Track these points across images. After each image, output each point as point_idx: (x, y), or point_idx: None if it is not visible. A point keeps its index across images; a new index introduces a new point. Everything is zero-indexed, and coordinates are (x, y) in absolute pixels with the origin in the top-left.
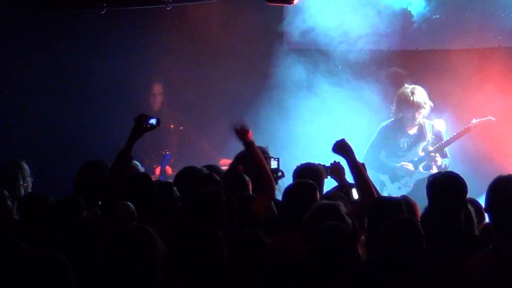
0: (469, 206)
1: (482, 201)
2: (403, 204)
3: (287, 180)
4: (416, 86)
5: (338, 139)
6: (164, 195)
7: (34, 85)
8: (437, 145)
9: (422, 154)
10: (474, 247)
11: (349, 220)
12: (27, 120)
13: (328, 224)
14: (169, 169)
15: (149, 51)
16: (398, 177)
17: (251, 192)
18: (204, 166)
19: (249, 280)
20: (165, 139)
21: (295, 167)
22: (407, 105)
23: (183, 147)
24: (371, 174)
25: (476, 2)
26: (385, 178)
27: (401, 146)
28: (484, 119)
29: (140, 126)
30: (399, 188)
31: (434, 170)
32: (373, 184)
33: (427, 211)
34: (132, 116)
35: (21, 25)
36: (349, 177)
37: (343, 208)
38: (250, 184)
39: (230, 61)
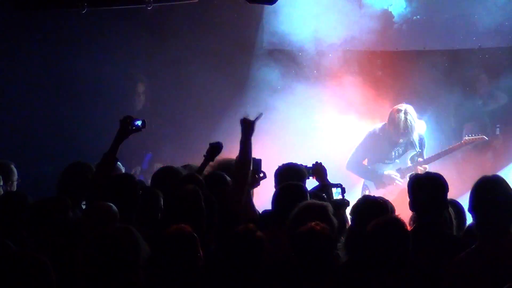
0: (449, 207)
1: (463, 201)
2: (388, 204)
3: (269, 181)
4: (407, 109)
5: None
6: (147, 197)
7: (17, 86)
8: (425, 159)
9: (410, 164)
10: (453, 248)
11: (335, 221)
12: (11, 120)
13: (310, 225)
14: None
15: (130, 51)
16: (384, 184)
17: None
18: (182, 166)
19: (245, 278)
20: (145, 138)
21: (276, 168)
22: (399, 130)
23: (164, 147)
24: (350, 178)
25: (457, 3)
26: (369, 183)
27: (389, 154)
28: (477, 136)
29: (126, 128)
30: (383, 195)
31: None
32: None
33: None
34: (117, 116)
35: (1, 25)
36: (330, 178)
37: (330, 209)
38: (230, 181)
39: (210, 61)
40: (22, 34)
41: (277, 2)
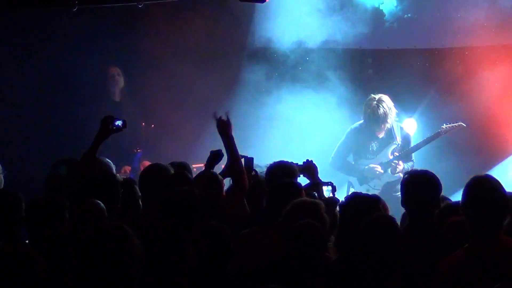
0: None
1: (455, 199)
2: (379, 202)
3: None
4: (382, 97)
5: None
6: (125, 193)
7: (5, 84)
8: (404, 151)
9: (391, 157)
10: (445, 246)
11: (327, 219)
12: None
13: (301, 222)
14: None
15: (118, 50)
16: (367, 179)
17: (224, 191)
18: (171, 164)
19: (216, 276)
20: (135, 137)
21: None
22: (374, 118)
23: (154, 145)
24: (339, 175)
25: (448, 2)
26: (353, 179)
27: (370, 149)
28: (454, 124)
29: (106, 128)
30: (367, 191)
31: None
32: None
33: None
34: (104, 115)
35: None
36: (321, 176)
37: (322, 207)
38: (223, 182)
39: (200, 60)
40: (10, 32)
41: (267, 1)
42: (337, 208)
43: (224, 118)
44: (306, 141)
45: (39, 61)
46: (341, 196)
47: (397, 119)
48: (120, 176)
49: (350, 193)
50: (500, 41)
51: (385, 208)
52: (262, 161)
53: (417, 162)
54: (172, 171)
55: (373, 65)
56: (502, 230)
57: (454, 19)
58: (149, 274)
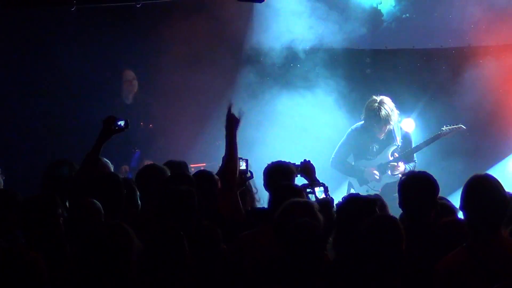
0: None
1: (453, 199)
2: (376, 202)
3: (257, 180)
4: (384, 99)
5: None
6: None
7: (7, 83)
8: (405, 152)
9: (391, 158)
10: (443, 246)
11: (321, 218)
12: None
13: (299, 221)
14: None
15: (118, 49)
16: (366, 180)
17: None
18: (169, 162)
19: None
20: (134, 136)
21: (266, 165)
22: (375, 119)
23: (152, 145)
24: (339, 176)
25: (446, 1)
26: (353, 180)
27: (370, 149)
28: (454, 126)
29: (108, 128)
30: (367, 191)
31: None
32: None
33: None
34: (104, 114)
35: None
36: (319, 176)
37: (316, 206)
38: (219, 182)
39: (199, 60)
40: (9, 32)
41: (265, 1)
42: (334, 209)
43: (237, 115)
44: (304, 142)
45: (37, 62)
46: (341, 195)
47: (400, 120)
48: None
49: (350, 193)
50: (500, 41)
51: (384, 206)
52: (260, 161)
53: (419, 163)
54: (168, 172)
55: (371, 65)
56: (501, 229)
57: (453, 19)
58: (147, 273)
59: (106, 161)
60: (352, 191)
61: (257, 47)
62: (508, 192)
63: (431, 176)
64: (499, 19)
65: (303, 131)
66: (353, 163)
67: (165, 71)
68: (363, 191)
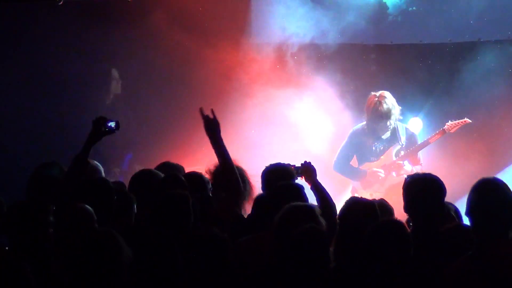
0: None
1: (459, 204)
2: (376, 206)
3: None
4: (383, 93)
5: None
6: (121, 203)
7: None
8: (409, 150)
9: (395, 158)
10: (450, 252)
11: (323, 223)
12: None
13: (305, 227)
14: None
15: (105, 46)
16: (370, 183)
17: (210, 193)
18: (163, 164)
19: (213, 282)
20: (125, 138)
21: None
22: (376, 116)
23: (144, 147)
24: (342, 179)
25: None
26: (357, 184)
27: (374, 150)
28: (460, 120)
29: (98, 130)
30: (371, 195)
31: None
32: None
33: None
34: (91, 115)
35: None
36: (321, 179)
37: (317, 210)
38: (209, 184)
39: (193, 55)
40: None
41: None
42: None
43: (210, 116)
44: (304, 143)
45: (21, 58)
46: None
47: (401, 118)
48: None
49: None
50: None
51: (388, 211)
52: (257, 164)
53: (426, 165)
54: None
55: (376, 61)
56: (509, 235)
57: (463, 12)
58: (137, 283)
59: (96, 164)
60: (356, 195)
61: (254, 42)
62: None
63: (437, 177)
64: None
65: (303, 131)
66: (356, 166)
67: (159, 68)
68: (366, 195)
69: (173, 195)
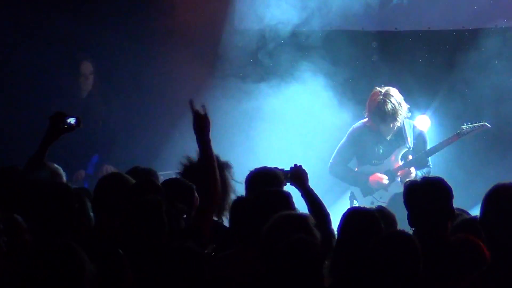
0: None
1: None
2: (376, 215)
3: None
4: (389, 90)
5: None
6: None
7: None
8: (418, 155)
9: (401, 163)
10: (461, 265)
11: (317, 234)
12: None
13: (295, 237)
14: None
15: (73, 35)
16: (371, 190)
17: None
18: (135, 169)
19: None
20: (91, 138)
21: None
22: (380, 116)
23: (113, 148)
24: (340, 185)
25: None
26: (356, 190)
27: (376, 152)
28: (477, 124)
29: (56, 127)
30: (372, 203)
31: None
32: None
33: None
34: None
35: None
36: (315, 185)
37: (311, 220)
38: (194, 191)
39: (173, 43)
40: None
41: None
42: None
43: (201, 112)
44: (295, 143)
45: None
46: (342, 210)
47: (409, 115)
48: (71, 186)
49: (352, 206)
50: None
51: (393, 222)
52: (244, 166)
53: (435, 169)
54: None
55: (379, 50)
56: None
57: None
58: None
59: (56, 167)
60: (355, 202)
61: (244, 29)
62: None
63: (441, 179)
64: None
65: (295, 130)
66: (356, 169)
67: (131, 63)
68: (367, 203)
69: (142, 201)
